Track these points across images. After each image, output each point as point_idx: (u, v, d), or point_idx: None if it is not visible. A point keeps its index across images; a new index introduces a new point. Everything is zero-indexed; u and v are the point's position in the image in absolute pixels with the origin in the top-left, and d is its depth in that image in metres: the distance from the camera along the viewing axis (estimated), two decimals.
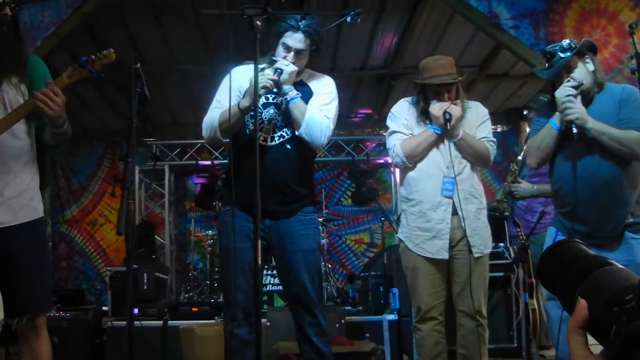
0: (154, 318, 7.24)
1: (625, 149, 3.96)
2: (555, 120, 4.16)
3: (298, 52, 3.99)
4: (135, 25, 8.04)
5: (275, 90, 3.95)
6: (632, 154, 3.98)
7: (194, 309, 7.52)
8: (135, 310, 7.19)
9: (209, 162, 11.21)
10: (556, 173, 4.31)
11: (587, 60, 4.18)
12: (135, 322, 6.45)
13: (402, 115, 4.55)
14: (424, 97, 4.47)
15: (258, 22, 3.33)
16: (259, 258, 3.28)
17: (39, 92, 3.34)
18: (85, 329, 6.78)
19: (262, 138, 3.96)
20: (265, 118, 4.02)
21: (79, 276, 11.35)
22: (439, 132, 4.36)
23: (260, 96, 3.84)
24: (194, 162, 11.33)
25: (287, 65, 3.91)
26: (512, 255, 6.25)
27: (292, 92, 3.96)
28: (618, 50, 6.13)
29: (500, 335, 6.12)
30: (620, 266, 1.32)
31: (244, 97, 3.96)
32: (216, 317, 7.20)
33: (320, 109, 4.07)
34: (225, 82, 4.07)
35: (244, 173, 3.92)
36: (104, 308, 8.37)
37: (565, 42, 4.16)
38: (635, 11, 6.29)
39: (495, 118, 11.07)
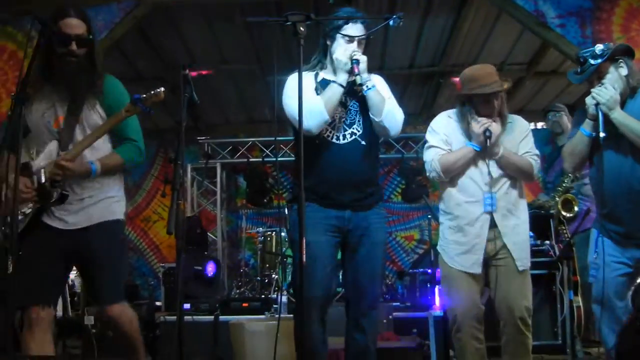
0: (205, 313, 7.39)
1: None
2: (586, 127, 4.20)
3: (360, 41, 4.05)
4: (185, 27, 8.19)
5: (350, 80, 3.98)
6: None
7: (244, 305, 7.61)
8: (187, 306, 7.34)
9: (259, 160, 11.38)
10: (593, 176, 4.36)
11: (621, 64, 4.16)
12: (187, 317, 6.61)
13: (440, 130, 4.53)
14: (469, 109, 4.43)
15: (302, 29, 3.40)
16: (304, 255, 3.33)
17: (59, 161, 3.75)
18: (139, 324, 6.95)
19: (335, 136, 4.05)
20: (335, 116, 4.05)
21: (133, 272, 11.53)
22: (477, 149, 4.36)
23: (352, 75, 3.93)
24: (246, 160, 11.48)
25: (360, 55, 3.97)
26: (557, 252, 6.25)
27: (369, 82, 4.01)
28: None
29: (545, 332, 6.09)
30: None
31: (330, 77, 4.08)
32: (266, 313, 7.31)
33: (389, 98, 4.13)
34: (293, 84, 3.98)
35: (317, 170, 4.00)
36: (158, 303, 8.54)
37: (599, 48, 4.16)
38: None
39: (545, 115, 11.04)
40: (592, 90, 4.12)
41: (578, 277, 6.04)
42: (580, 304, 5.99)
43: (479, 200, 4.37)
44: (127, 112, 3.77)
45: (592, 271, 4.34)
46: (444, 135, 4.52)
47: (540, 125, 11.02)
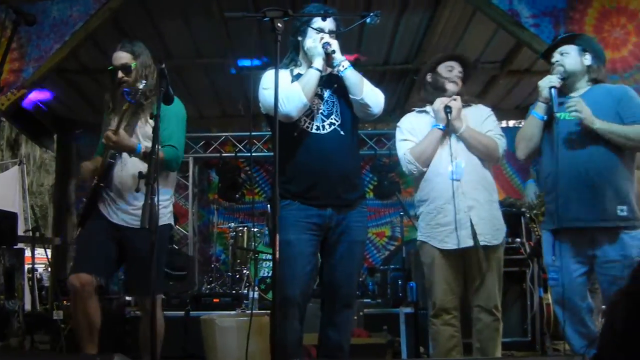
0: (176, 308, 7.36)
1: (633, 142, 4.08)
2: (538, 110, 4.28)
3: (331, 33, 4.07)
4: (161, 20, 8.12)
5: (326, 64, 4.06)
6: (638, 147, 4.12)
7: (215, 300, 7.62)
8: None
9: (232, 155, 11.36)
10: (545, 161, 4.40)
11: (587, 56, 4.27)
12: None
13: (404, 125, 4.67)
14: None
15: (279, 24, 3.39)
16: (277, 252, 3.31)
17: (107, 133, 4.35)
18: (108, 319, 6.89)
19: (315, 127, 4.05)
20: (313, 107, 4.06)
21: None
22: (443, 129, 4.45)
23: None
24: (218, 154, 11.45)
25: (330, 39, 4.00)
26: (528, 250, 6.30)
27: (344, 62, 4.03)
28: (637, 48, 6.10)
29: (515, 329, 6.16)
30: None
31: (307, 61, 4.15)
32: (237, 309, 7.31)
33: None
34: (269, 78, 3.95)
35: (299, 163, 4.01)
36: (127, 298, 8.50)
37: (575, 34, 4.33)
38: None
39: (517, 113, 11.10)
40: (568, 106, 4.16)
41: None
42: (550, 301, 6.04)
43: (448, 172, 4.42)
44: (126, 106, 4.33)
45: (551, 274, 4.37)
46: (409, 124, 4.64)
47: (512, 123, 11.09)
